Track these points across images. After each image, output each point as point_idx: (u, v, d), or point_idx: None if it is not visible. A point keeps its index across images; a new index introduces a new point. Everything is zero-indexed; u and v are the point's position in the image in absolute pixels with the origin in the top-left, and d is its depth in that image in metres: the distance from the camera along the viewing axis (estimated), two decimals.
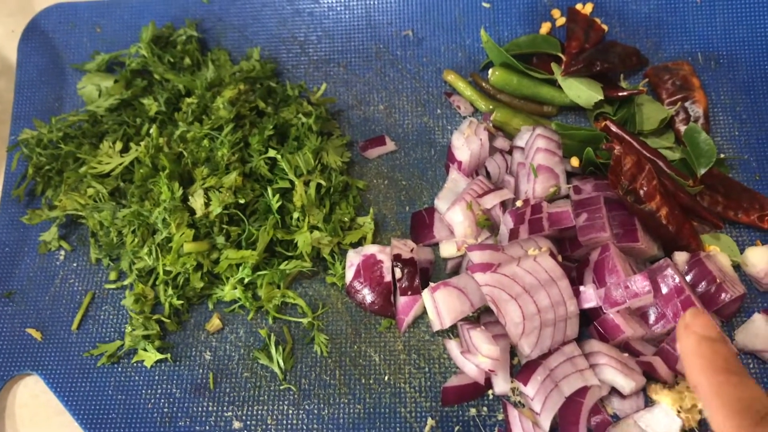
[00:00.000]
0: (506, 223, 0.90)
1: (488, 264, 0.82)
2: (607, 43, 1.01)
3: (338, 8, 1.08)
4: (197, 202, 0.91)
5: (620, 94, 0.98)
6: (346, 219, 0.96)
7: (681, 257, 0.86)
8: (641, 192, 0.84)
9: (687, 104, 0.98)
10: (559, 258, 0.85)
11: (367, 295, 0.92)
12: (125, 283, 0.97)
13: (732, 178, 0.96)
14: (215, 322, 0.94)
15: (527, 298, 0.82)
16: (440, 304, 0.84)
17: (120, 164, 0.97)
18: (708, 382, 0.48)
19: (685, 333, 0.52)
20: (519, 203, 0.90)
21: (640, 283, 0.80)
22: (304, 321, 0.92)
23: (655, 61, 1.02)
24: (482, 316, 0.89)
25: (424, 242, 0.96)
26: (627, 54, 1.01)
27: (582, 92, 0.97)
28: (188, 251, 0.91)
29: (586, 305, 0.83)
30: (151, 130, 0.96)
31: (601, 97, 0.96)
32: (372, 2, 1.07)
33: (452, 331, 0.91)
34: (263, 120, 0.98)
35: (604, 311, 0.82)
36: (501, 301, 0.81)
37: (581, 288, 0.84)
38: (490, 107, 1.00)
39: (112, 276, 0.98)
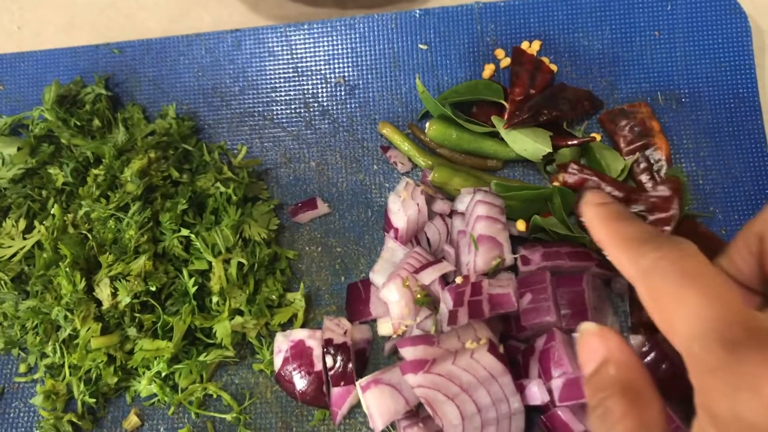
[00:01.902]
0: (445, 301, 0.81)
1: (422, 361, 0.74)
2: (556, 88, 0.91)
3: (262, 54, 0.98)
4: (103, 292, 0.82)
5: (571, 143, 0.89)
6: (273, 297, 0.88)
7: (636, 340, 0.77)
8: None
9: (648, 152, 0.89)
10: (500, 349, 0.76)
11: (298, 385, 0.83)
12: (36, 377, 0.88)
13: (706, 229, 0.87)
14: (133, 420, 0.86)
15: (465, 397, 0.73)
16: (372, 406, 0.76)
17: (22, 248, 0.88)
18: (604, 230, 0.56)
19: (584, 207, 0.59)
20: (459, 279, 0.81)
21: None
22: (229, 417, 0.84)
23: (610, 103, 0.93)
24: (421, 409, 0.80)
25: (361, 319, 0.88)
26: (578, 98, 0.91)
27: (528, 145, 0.88)
28: (96, 347, 0.82)
29: (532, 402, 0.75)
30: (53, 210, 0.87)
31: (549, 149, 0.87)
32: (298, 47, 0.97)
33: (392, 424, 0.83)
34: (178, 190, 0.88)
35: (552, 407, 0.74)
36: (437, 403, 0.73)
37: (525, 383, 0.75)
38: (429, 163, 0.91)
39: (22, 368, 0.90)
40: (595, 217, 0.58)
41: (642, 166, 0.89)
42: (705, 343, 0.43)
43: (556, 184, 0.88)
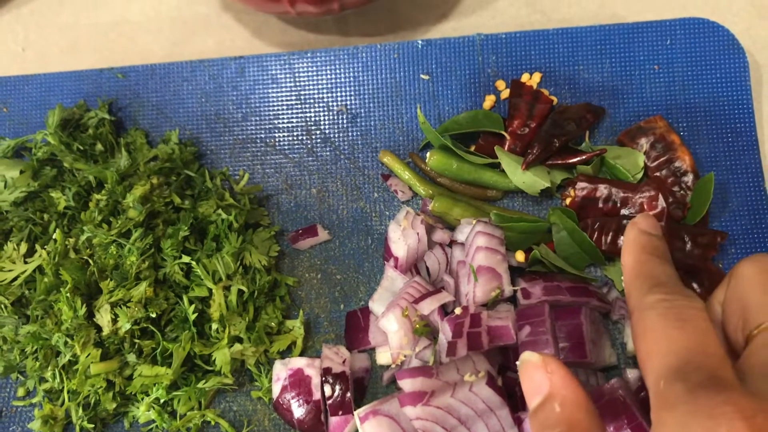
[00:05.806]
0: (444, 332, 0.81)
1: (420, 393, 0.74)
2: (557, 112, 0.92)
3: (265, 81, 0.99)
4: (104, 318, 0.83)
5: (579, 158, 0.89)
6: (273, 324, 0.88)
7: (633, 374, 0.78)
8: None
9: (673, 166, 0.89)
10: (499, 381, 0.77)
11: (296, 413, 0.84)
12: (34, 401, 0.88)
13: (717, 267, 0.87)
14: None
15: (463, 430, 0.74)
16: None
17: (23, 272, 0.88)
18: (633, 259, 0.56)
19: (630, 227, 0.59)
20: (458, 310, 0.82)
21: None
22: None
23: (609, 135, 0.94)
24: None
25: (359, 348, 0.88)
26: (580, 115, 0.91)
27: (526, 178, 0.89)
28: (96, 373, 0.82)
29: None
30: (55, 235, 0.87)
31: (546, 184, 0.88)
32: (301, 74, 0.98)
33: None
34: (180, 215, 0.88)
35: None
36: None
37: (523, 416, 0.76)
38: (430, 192, 0.92)
39: (20, 392, 0.90)
40: (634, 242, 0.58)
41: (671, 180, 0.89)
42: (670, 381, 0.44)
43: (567, 200, 0.88)
